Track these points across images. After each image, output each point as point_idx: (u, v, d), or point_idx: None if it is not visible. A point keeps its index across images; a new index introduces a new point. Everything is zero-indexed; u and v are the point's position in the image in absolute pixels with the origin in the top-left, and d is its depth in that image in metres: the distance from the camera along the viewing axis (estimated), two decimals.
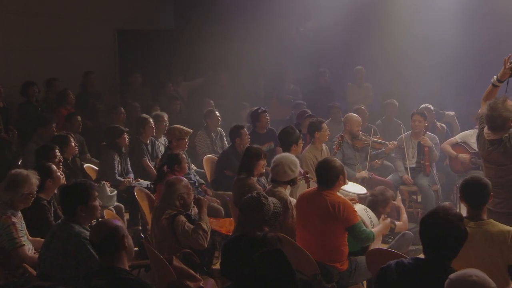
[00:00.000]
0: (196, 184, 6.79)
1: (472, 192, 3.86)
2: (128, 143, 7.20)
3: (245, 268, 2.73)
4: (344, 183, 4.77)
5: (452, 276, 2.76)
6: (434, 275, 3.09)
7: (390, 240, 5.92)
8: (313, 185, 5.79)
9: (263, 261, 2.69)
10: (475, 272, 2.74)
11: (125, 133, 7.03)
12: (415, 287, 3.12)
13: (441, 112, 8.94)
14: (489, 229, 3.74)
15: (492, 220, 3.84)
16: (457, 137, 7.67)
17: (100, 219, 3.73)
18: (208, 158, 7.60)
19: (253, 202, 4.00)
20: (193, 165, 7.44)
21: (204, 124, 8.38)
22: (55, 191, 5.14)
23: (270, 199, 4.09)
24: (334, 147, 6.93)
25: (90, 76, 9.55)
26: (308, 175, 5.83)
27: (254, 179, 5.55)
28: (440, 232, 3.13)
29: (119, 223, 3.41)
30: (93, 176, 6.92)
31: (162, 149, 7.58)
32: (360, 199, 6.08)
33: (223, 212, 6.37)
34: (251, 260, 2.72)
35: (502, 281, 3.74)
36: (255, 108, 8.13)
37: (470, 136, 7.53)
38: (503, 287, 3.75)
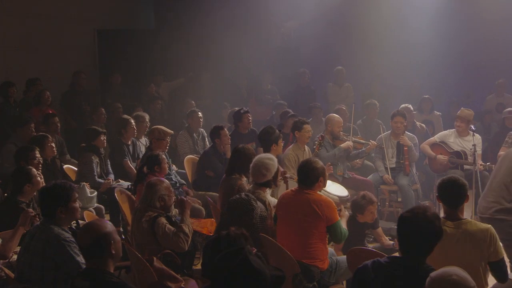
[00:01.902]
0: (177, 185, 6.77)
1: (449, 192, 3.91)
2: (106, 144, 7.15)
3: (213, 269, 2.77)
4: (324, 186, 4.80)
5: (432, 275, 2.79)
6: (410, 271, 3.14)
7: None
8: (293, 185, 5.82)
9: (223, 261, 2.71)
10: (455, 271, 2.77)
11: (102, 135, 6.98)
12: (392, 284, 3.15)
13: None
14: (468, 228, 3.78)
15: (470, 219, 3.90)
16: (436, 137, 7.75)
17: (90, 221, 3.65)
18: (189, 158, 7.58)
19: (244, 204, 3.99)
20: (174, 166, 7.41)
21: (186, 125, 8.36)
22: (35, 193, 5.09)
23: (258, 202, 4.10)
24: (314, 147, 6.96)
25: (79, 76, 9.49)
26: (286, 175, 5.84)
27: (244, 179, 5.54)
28: (417, 229, 3.17)
29: (109, 227, 3.32)
30: (73, 177, 6.86)
31: (143, 149, 7.54)
32: (342, 201, 6.12)
33: (204, 212, 6.35)
34: (215, 261, 2.75)
35: (481, 280, 3.80)
36: (237, 108, 8.13)
37: (448, 136, 7.62)
38: (481, 285, 3.80)
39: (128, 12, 11.72)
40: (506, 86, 10.19)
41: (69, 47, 10.33)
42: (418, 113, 9.16)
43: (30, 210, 4.55)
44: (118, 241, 3.34)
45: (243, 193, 4.28)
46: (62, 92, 9.37)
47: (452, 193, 3.90)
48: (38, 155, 5.82)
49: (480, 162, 7.06)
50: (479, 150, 7.13)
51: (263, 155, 5.34)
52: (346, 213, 4.98)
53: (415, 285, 3.05)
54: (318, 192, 4.77)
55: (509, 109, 8.58)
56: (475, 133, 7.22)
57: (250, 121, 7.88)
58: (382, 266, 3.21)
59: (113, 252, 3.27)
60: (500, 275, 3.84)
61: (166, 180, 5.03)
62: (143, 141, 7.79)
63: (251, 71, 11.16)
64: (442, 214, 3.95)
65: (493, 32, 10.20)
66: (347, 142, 7.27)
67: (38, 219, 4.29)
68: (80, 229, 3.74)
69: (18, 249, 4.21)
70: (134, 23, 11.87)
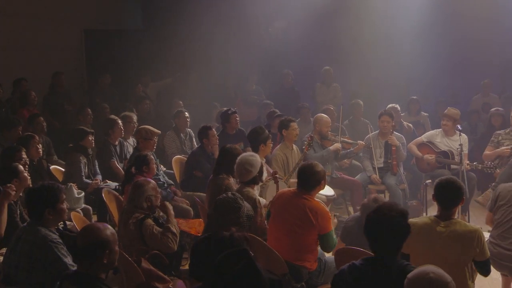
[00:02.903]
0: (165, 185, 6.75)
1: (446, 193, 3.94)
2: (94, 145, 7.11)
3: (212, 269, 2.73)
4: (323, 188, 4.80)
5: (409, 275, 2.81)
6: (383, 270, 3.17)
7: None
8: (282, 185, 5.84)
9: (228, 261, 2.69)
10: (431, 269, 2.80)
11: (90, 135, 6.94)
12: (368, 285, 3.17)
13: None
14: (457, 228, 3.82)
15: (459, 220, 3.93)
16: (423, 137, 7.80)
17: (93, 223, 3.56)
18: (177, 158, 7.56)
19: (230, 203, 3.99)
20: (162, 166, 7.39)
21: (173, 125, 8.34)
22: (21, 194, 5.05)
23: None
24: (303, 147, 6.97)
25: (59, 77, 9.42)
26: (277, 175, 5.85)
27: (232, 179, 5.54)
28: (383, 228, 3.20)
29: (109, 235, 3.23)
30: (60, 178, 6.82)
31: (130, 150, 7.51)
32: (329, 200, 6.15)
33: (192, 213, 6.34)
34: (217, 261, 2.72)
35: (466, 280, 3.84)
36: (225, 109, 8.12)
37: (435, 135, 7.67)
38: (465, 284, 3.84)
39: (116, 12, 11.68)
40: (491, 86, 10.29)
41: (57, 47, 10.27)
42: (406, 114, 9.21)
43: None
44: (115, 251, 3.26)
45: (230, 192, 4.27)
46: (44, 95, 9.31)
47: (449, 194, 3.94)
48: (24, 155, 5.77)
49: (467, 161, 7.12)
50: (465, 150, 7.18)
51: (244, 153, 5.34)
52: (335, 221, 4.98)
53: (390, 283, 3.10)
54: None
55: (495, 108, 8.65)
56: (461, 133, 7.27)
57: (238, 121, 7.87)
58: (357, 269, 3.23)
59: (105, 261, 3.19)
60: (483, 271, 3.94)
61: (153, 181, 5.01)
62: (131, 142, 7.76)
63: (238, 71, 11.16)
64: (435, 213, 4.00)
65: (478, 33, 10.28)
66: (336, 144, 7.30)
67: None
68: (80, 229, 3.68)
69: (3, 250, 4.18)
70: (121, 23, 11.83)
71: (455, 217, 3.98)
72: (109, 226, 3.36)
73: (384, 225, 3.20)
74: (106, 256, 3.19)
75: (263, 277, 2.69)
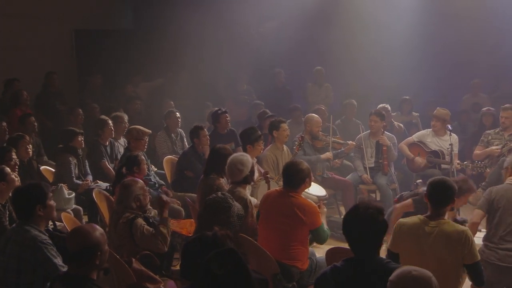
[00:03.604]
0: (156, 185, 6.74)
1: (438, 192, 3.96)
2: (84, 145, 7.08)
3: (200, 268, 2.73)
4: (309, 186, 4.81)
5: (392, 278, 2.81)
6: (363, 269, 3.18)
7: None
8: (274, 185, 5.84)
9: (217, 261, 2.69)
10: (412, 267, 2.82)
11: (80, 135, 6.91)
12: (351, 285, 3.18)
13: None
14: (445, 228, 3.83)
15: (448, 220, 3.94)
16: (414, 137, 7.83)
17: (82, 226, 3.56)
18: (168, 159, 7.55)
19: (220, 203, 3.99)
20: (153, 166, 7.37)
21: (164, 125, 8.32)
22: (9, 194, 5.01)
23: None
24: (294, 147, 6.98)
25: (52, 77, 9.40)
26: (268, 176, 5.85)
27: (223, 179, 5.54)
28: (361, 227, 3.21)
29: (99, 237, 3.27)
30: (50, 178, 6.78)
31: (121, 150, 7.49)
32: (320, 200, 6.15)
33: (183, 213, 6.33)
34: (206, 261, 2.72)
35: (455, 279, 3.85)
36: (216, 109, 8.11)
37: (426, 135, 7.71)
38: (455, 285, 3.85)
39: (107, 12, 11.62)
40: (480, 86, 10.34)
41: (47, 47, 10.22)
42: (398, 114, 9.25)
43: None
44: (105, 251, 3.30)
45: (220, 192, 4.27)
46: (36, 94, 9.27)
47: (440, 194, 3.95)
48: (14, 156, 5.74)
49: (457, 161, 7.15)
50: (456, 149, 7.22)
51: (235, 154, 5.36)
52: (325, 209, 4.99)
53: (372, 282, 3.11)
54: None
55: (486, 107, 8.70)
56: (452, 133, 7.30)
57: (228, 121, 7.87)
58: (339, 270, 3.23)
59: (97, 263, 3.24)
60: (476, 278, 3.90)
61: (141, 180, 5.00)
62: (121, 142, 7.74)
63: (229, 71, 11.16)
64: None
65: (468, 34, 10.34)
66: (327, 153, 7.32)
67: None
68: (69, 233, 3.67)
69: None
70: (112, 23, 11.77)
71: (446, 217, 4.00)
72: (97, 227, 3.38)
73: (361, 223, 3.20)
74: (98, 257, 3.23)
75: (252, 277, 2.69)
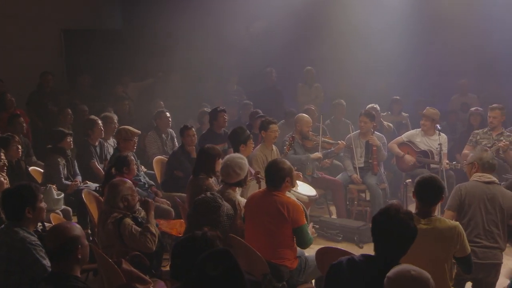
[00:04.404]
0: (146, 186, 6.72)
1: (427, 190, 3.98)
2: (72, 146, 7.05)
3: (193, 269, 2.71)
4: (292, 186, 4.79)
5: (389, 275, 2.82)
6: (385, 272, 3.15)
7: None
8: (264, 185, 5.83)
9: (211, 261, 2.68)
10: (410, 267, 2.82)
11: (69, 136, 6.88)
12: (366, 283, 3.16)
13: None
14: (437, 225, 3.86)
15: (439, 217, 3.97)
16: (404, 136, 7.86)
17: (59, 223, 3.57)
18: (158, 159, 7.53)
19: (209, 202, 3.98)
20: (142, 167, 7.35)
21: (154, 125, 8.30)
22: None
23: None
24: (285, 147, 6.99)
25: (46, 77, 9.36)
26: (259, 176, 5.85)
27: (212, 179, 5.53)
28: (391, 230, 3.17)
29: (77, 231, 3.29)
30: (39, 179, 6.75)
31: (111, 150, 7.46)
32: (311, 200, 6.16)
33: (173, 213, 6.32)
34: (198, 261, 2.71)
35: (445, 276, 3.87)
36: (215, 107, 8.09)
37: (416, 135, 7.74)
38: (445, 281, 3.88)
39: (95, 12, 11.58)
40: (468, 86, 10.41)
41: (35, 48, 10.17)
42: (388, 114, 9.28)
43: None
44: (85, 246, 3.31)
45: (209, 192, 4.27)
46: (28, 93, 9.22)
47: (429, 192, 3.97)
48: (3, 157, 5.71)
49: (446, 161, 7.19)
50: (445, 149, 7.25)
51: (234, 154, 5.36)
52: (313, 230, 4.96)
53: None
54: (288, 192, 4.79)
55: (474, 107, 8.76)
56: (441, 133, 7.34)
57: (226, 120, 7.85)
58: (357, 265, 3.21)
59: (79, 257, 3.24)
60: (466, 268, 3.97)
61: (129, 180, 4.98)
62: (111, 142, 7.71)
63: (218, 72, 11.15)
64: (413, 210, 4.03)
65: (456, 34, 10.42)
66: (316, 153, 7.33)
67: None
68: (47, 232, 3.68)
69: None
70: (101, 23, 11.73)
71: (435, 214, 4.02)
72: (75, 224, 3.40)
73: (394, 228, 3.17)
74: (79, 251, 3.24)
75: (245, 279, 2.69)
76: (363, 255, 3.27)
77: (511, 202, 4.70)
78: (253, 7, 11.01)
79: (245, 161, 5.17)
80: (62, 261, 3.22)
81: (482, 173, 4.86)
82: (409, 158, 7.54)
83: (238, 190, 5.18)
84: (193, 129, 7.24)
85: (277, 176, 4.59)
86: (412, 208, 4.06)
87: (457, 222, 3.96)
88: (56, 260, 3.26)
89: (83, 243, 3.28)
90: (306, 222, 4.58)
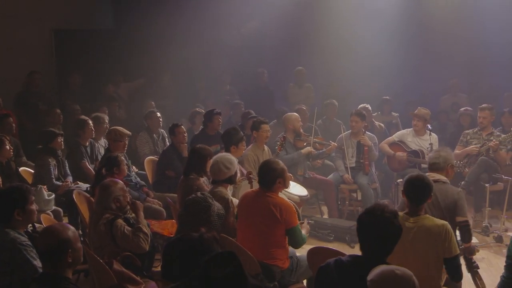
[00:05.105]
0: (137, 186, 6.70)
1: (416, 189, 4.01)
2: (63, 146, 7.01)
3: (195, 269, 2.70)
4: (285, 186, 4.78)
5: (373, 277, 2.81)
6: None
7: None
8: (256, 185, 5.83)
9: (216, 263, 2.67)
10: (393, 267, 2.84)
11: (59, 137, 6.84)
12: (355, 284, 3.16)
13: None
14: (425, 223, 3.89)
15: (428, 215, 4.00)
16: (394, 136, 7.90)
17: (51, 225, 3.52)
18: (150, 159, 7.51)
19: (200, 202, 3.98)
20: (134, 167, 7.33)
21: (145, 125, 8.28)
22: None
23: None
24: (276, 147, 6.99)
25: (34, 76, 9.28)
26: (251, 176, 5.85)
27: (202, 179, 5.53)
28: (377, 229, 3.18)
29: (69, 233, 3.23)
30: (29, 180, 6.71)
31: (102, 151, 7.44)
32: (302, 200, 6.17)
33: (165, 214, 6.31)
34: (203, 262, 2.69)
35: (436, 274, 3.89)
36: (211, 109, 8.07)
37: (406, 135, 7.78)
38: (434, 279, 3.89)
39: (86, 11, 11.50)
40: (459, 85, 10.46)
41: (25, 47, 10.08)
42: (379, 114, 9.31)
43: None
44: (77, 249, 3.26)
45: (199, 192, 4.27)
46: (17, 93, 9.16)
47: (418, 190, 4.01)
48: None
49: None
50: (435, 149, 7.28)
51: (221, 153, 5.38)
52: (308, 227, 4.98)
53: None
54: (279, 192, 4.79)
55: (464, 108, 8.80)
56: (431, 132, 7.37)
57: (220, 123, 7.85)
58: (344, 266, 3.22)
59: (70, 260, 3.19)
60: (454, 273, 3.93)
61: (120, 181, 4.97)
62: (102, 143, 7.68)
63: (211, 72, 11.14)
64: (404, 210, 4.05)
65: (447, 34, 10.48)
66: (307, 148, 7.35)
67: None
68: (39, 232, 3.65)
69: None
70: (92, 23, 11.65)
71: (423, 213, 4.04)
72: (69, 225, 3.35)
73: (379, 227, 3.18)
74: (69, 255, 3.19)
75: (248, 282, 2.68)
76: (351, 256, 3.29)
77: (450, 200, 4.69)
78: (245, 7, 11.01)
79: (233, 158, 5.18)
80: (53, 262, 3.19)
81: (429, 172, 4.90)
82: (401, 154, 7.57)
83: (229, 189, 5.18)
84: (183, 127, 7.22)
85: (268, 177, 4.59)
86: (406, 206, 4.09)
87: (446, 221, 3.97)
88: (47, 262, 3.23)
89: (74, 246, 3.22)
90: (298, 222, 4.59)
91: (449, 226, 3.89)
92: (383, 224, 3.18)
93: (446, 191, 4.72)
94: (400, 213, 3.97)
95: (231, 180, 5.09)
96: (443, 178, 4.81)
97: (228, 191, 5.14)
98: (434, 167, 4.91)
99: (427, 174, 4.75)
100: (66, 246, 3.18)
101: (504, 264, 4.06)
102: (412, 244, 3.83)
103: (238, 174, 5.58)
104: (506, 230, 6.84)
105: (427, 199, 4.05)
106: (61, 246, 3.17)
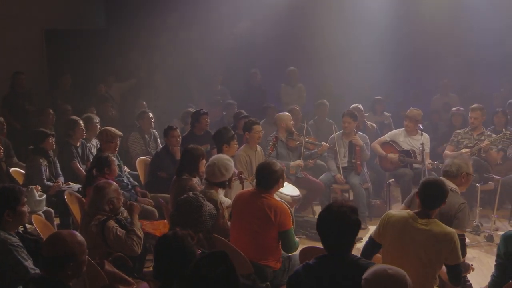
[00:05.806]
0: (129, 186, 6.68)
1: (431, 193, 3.95)
2: (54, 146, 6.98)
3: (186, 269, 2.71)
4: (282, 186, 4.82)
5: (366, 276, 2.84)
6: (337, 267, 3.20)
7: None
8: (247, 186, 5.84)
9: (207, 263, 2.67)
10: (385, 266, 2.86)
11: (51, 137, 6.81)
12: (325, 283, 3.19)
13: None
14: (433, 228, 3.83)
15: (436, 220, 3.92)
16: (386, 136, 7.91)
17: (61, 232, 3.42)
18: (142, 160, 7.50)
19: (192, 202, 3.98)
20: (126, 167, 7.31)
21: (137, 126, 8.26)
22: None
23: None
24: (268, 147, 6.99)
25: (19, 77, 9.22)
26: (242, 176, 5.85)
27: (195, 180, 5.52)
28: (334, 224, 3.23)
29: (74, 246, 3.20)
30: (20, 180, 6.68)
31: (94, 151, 7.41)
32: (294, 200, 6.17)
33: (157, 214, 6.29)
34: (195, 261, 2.70)
35: (432, 278, 3.88)
36: (198, 109, 8.08)
37: (398, 135, 7.79)
38: (431, 283, 3.89)
39: (78, 11, 11.47)
40: (450, 86, 10.51)
41: (16, 48, 10.03)
42: (371, 114, 9.33)
43: None
44: (81, 262, 3.24)
45: (191, 192, 4.26)
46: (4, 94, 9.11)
47: (433, 195, 3.95)
48: None
49: (429, 160, 7.24)
50: (427, 149, 7.31)
51: (222, 155, 5.37)
52: (300, 162, 5.00)
53: (344, 279, 3.13)
54: None
55: (456, 107, 8.84)
56: (423, 132, 7.40)
57: (208, 123, 7.85)
58: (311, 268, 3.24)
59: (69, 273, 3.18)
60: (454, 278, 3.91)
61: (114, 183, 4.95)
62: (94, 143, 7.65)
63: (202, 72, 11.13)
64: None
65: (438, 35, 10.53)
66: (298, 161, 7.32)
67: None
68: (47, 237, 3.60)
69: None
70: (84, 23, 11.62)
71: (434, 217, 3.96)
72: (78, 235, 3.31)
73: (334, 221, 3.22)
74: (69, 268, 3.17)
75: (239, 282, 2.69)
76: (316, 257, 3.30)
77: (452, 210, 4.60)
78: (238, 7, 11.01)
79: (231, 163, 5.18)
80: (53, 269, 3.18)
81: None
82: (392, 156, 7.59)
83: (221, 191, 5.17)
84: (177, 130, 7.21)
85: (270, 178, 4.61)
86: (396, 208, 4.08)
87: (454, 229, 3.92)
88: (47, 268, 3.21)
89: (78, 259, 3.21)
90: (292, 226, 4.59)
91: (455, 235, 3.82)
92: (340, 218, 3.21)
93: (449, 201, 4.70)
94: (410, 212, 3.96)
95: (224, 184, 5.09)
96: (452, 186, 4.71)
97: (220, 192, 5.13)
98: (447, 174, 4.83)
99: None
100: (69, 259, 3.17)
101: (495, 263, 4.08)
102: (415, 246, 3.80)
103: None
104: (497, 230, 6.87)
105: (440, 205, 3.98)
106: (66, 258, 3.16)
